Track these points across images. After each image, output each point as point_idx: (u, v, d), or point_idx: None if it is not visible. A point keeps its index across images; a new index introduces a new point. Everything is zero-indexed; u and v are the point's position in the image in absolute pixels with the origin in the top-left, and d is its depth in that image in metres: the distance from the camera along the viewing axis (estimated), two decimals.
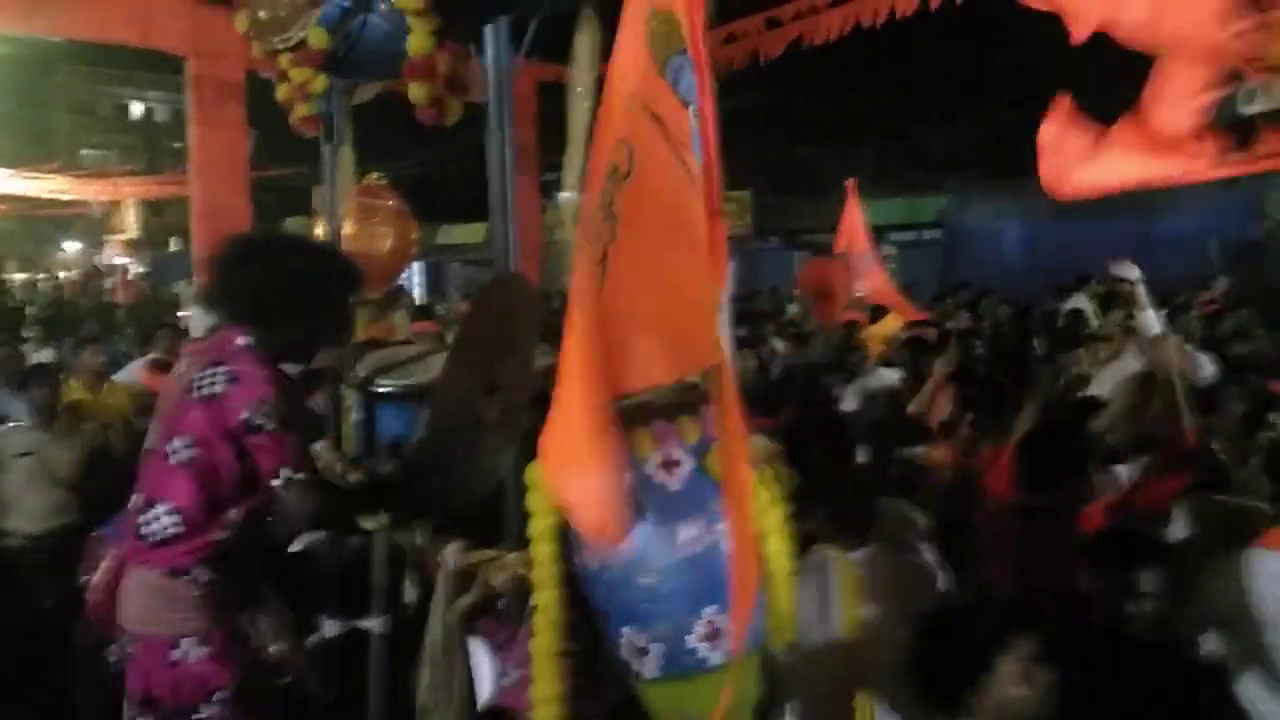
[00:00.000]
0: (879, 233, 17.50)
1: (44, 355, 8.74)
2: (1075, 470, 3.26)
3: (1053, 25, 3.18)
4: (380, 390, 3.34)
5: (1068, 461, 3.28)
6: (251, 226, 12.50)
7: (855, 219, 7.65)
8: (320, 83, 2.99)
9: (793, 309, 11.90)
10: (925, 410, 5.12)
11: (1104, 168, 2.66)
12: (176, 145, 38.71)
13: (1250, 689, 2.73)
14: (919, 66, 21.50)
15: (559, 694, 2.19)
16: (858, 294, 8.14)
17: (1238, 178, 14.59)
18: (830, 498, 2.71)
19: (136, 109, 47.74)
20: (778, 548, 2.17)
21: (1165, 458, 3.35)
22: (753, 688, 2.19)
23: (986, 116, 27.30)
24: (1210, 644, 2.80)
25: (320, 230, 5.18)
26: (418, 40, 2.46)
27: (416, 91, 2.57)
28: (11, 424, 5.44)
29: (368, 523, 3.29)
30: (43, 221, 35.18)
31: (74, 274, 23.63)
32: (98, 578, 3.44)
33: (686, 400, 2.17)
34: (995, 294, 11.96)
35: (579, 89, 2.35)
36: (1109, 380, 5.45)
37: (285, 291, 2.61)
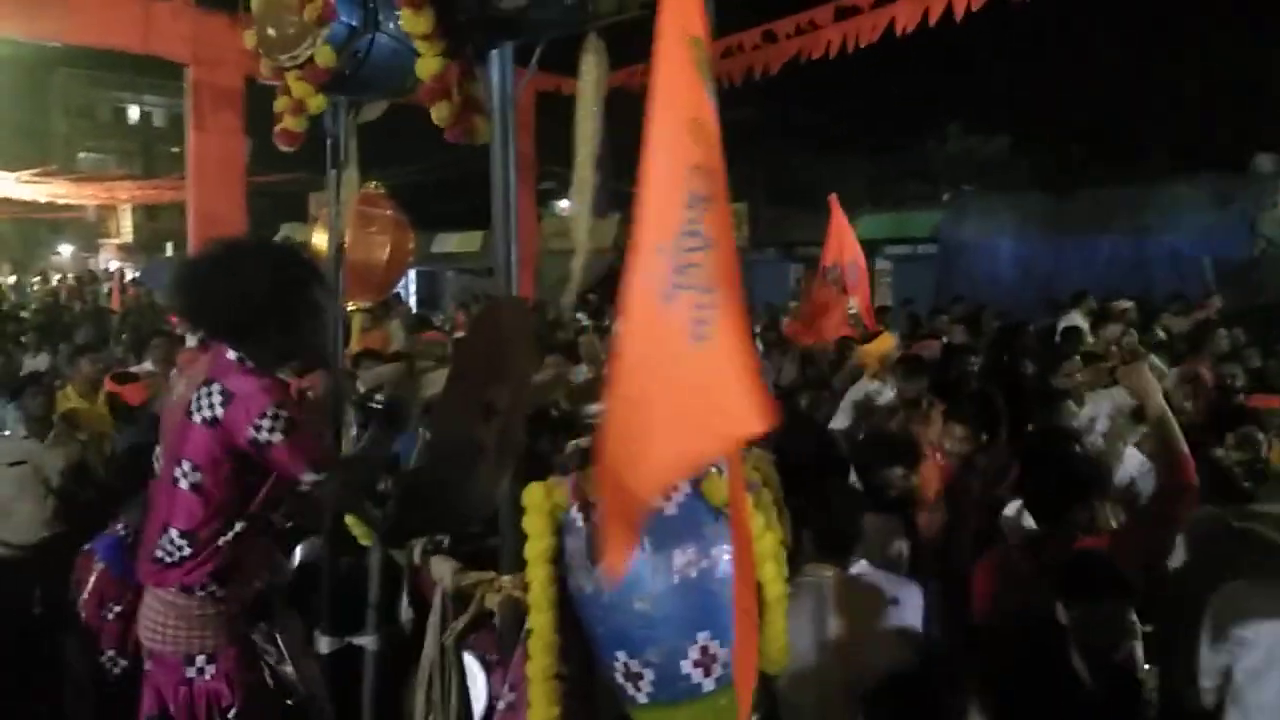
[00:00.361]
0: (874, 246, 17.62)
1: (39, 361, 8.72)
2: (1079, 499, 3.24)
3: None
4: (380, 406, 3.34)
5: (1071, 491, 3.27)
6: (248, 232, 12.58)
7: (843, 231, 7.62)
8: (318, 102, 3.00)
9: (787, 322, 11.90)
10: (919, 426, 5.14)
11: None
12: (173, 150, 38.81)
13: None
14: (915, 82, 21.60)
15: (554, 717, 2.20)
16: (851, 309, 8.11)
17: (1231, 197, 14.68)
18: (817, 516, 2.72)
19: (134, 113, 47.78)
20: (772, 573, 2.18)
21: (1168, 495, 3.30)
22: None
23: (982, 132, 27.47)
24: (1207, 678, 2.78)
25: (317, 238, 5.18)
26: (426, 65, 2.47)
27: (439, 112, 2.58)
28: (5, 432, 5.43)
29: (362, 538, 3.31)
30: (36, 224, 35.16)
31: (70, 278, 23.61)
32: (88, 591, 3.46)
33: None
34: (990, 309, 12.00)
35: (587, 110, 2.36)
36: (1103, 408, 5.45)
37: (256, 301, 2.60)
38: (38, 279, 25.83)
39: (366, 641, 3.19)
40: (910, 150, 27.80)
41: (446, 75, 2.49)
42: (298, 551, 3.59)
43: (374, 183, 6.08)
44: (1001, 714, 2.18)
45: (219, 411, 2.52)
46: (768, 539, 2.16)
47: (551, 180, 17.41)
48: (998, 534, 3.95)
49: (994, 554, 3.26)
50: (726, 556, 2.11)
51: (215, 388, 2.54)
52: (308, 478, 2.50)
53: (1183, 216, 14.64)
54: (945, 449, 4.51)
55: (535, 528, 2.17)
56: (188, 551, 2.58)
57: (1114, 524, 3.74)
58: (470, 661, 2.57)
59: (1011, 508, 3.95)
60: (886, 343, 6.57)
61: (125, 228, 34.98)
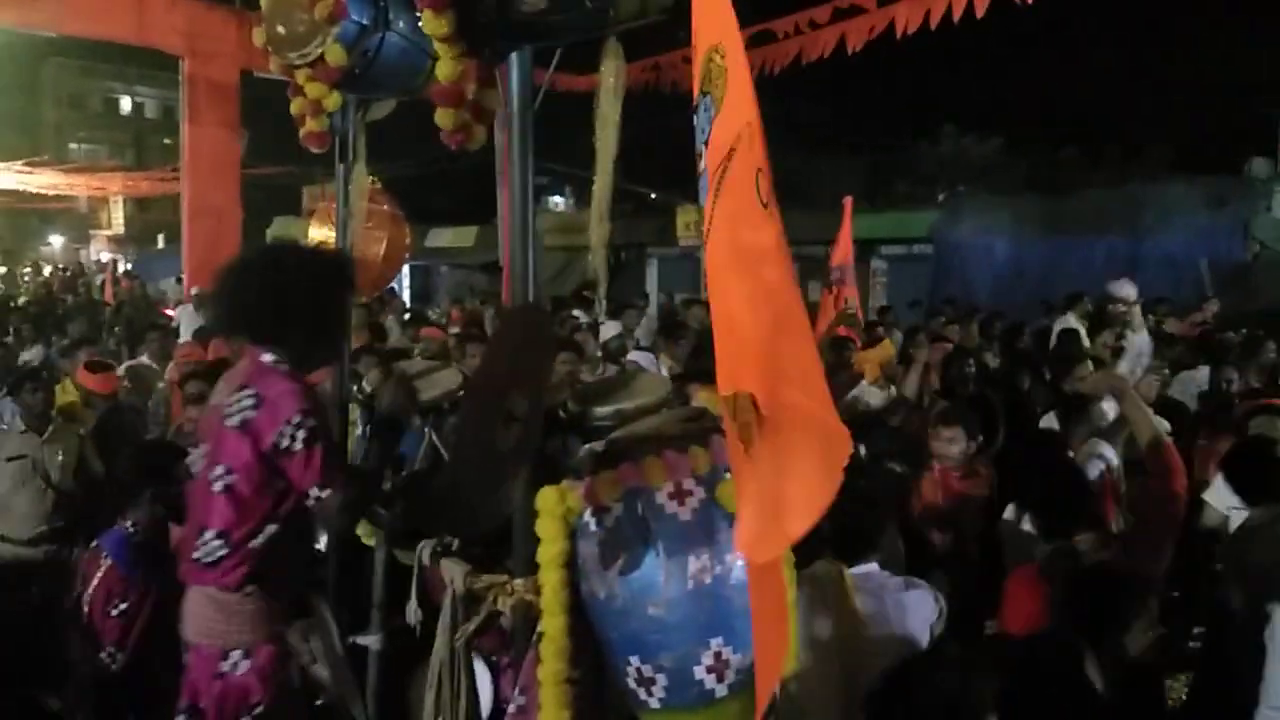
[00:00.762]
0: (870, 246, 17.61)
1: (33, 354, 8.67)
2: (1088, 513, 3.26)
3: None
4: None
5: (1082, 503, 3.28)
6: (242, 225, 12.55)
7: (847, 234, 7.69)
8: (334, 100, 3.00)
9: None
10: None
11: None
12: (166, 141, 38.61)
13: None
14: (910, 82, 21.65)
15: None
16: (849, 310, 8.11)
17: (1226, 200, 14.70)
18: (835, 515, 2.69)
19: (126, 104, 47.52)
20: (785, 577, 2.18)
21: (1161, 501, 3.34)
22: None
23: (976, 133, 27.55)
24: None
25: (314, 231, 5.17)
26: (446, 67, 2.46)
27: (444, 118, 2.57)
28: (2, 426, 5.40)
29: (365, 538, 3.30)
30: (27, 215, 34.98)
31: (64, 270, 23.51)
32: (94, 587, 3.46)
33: (697, 430, 2.18)
34: (983, 311, 12.00)
35: (607, 113, 2.35)
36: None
37: (291, 305, 2.66)
38: (28, 269, 25.71)
39: (370, 641, 3.20)
40: (905, 150, 27.85)
41: (463, 78, 2.49)
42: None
43: (370, 177, 6.05)
44: None
45: (249, 415, 2.56)
46: None
47: (543, 176, 17.41)
48: (997, 538, 3.97)
49: (1028, 571, 3.22)
50: (740, 563, 2.11)
51: (248, 392, 2.59)
52: (314, 492, 2.54)
53: (1177, 219, 14.68)
54: (939, 453, 4.49)
55: (548, 532, 2.17)
56: (224, 552, 2.63)
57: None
58: (476, 663, 2.58)
59: (1009, 511, 3.95)
60: (887, 350, 6.58)
61: (117, 219, 34.70)
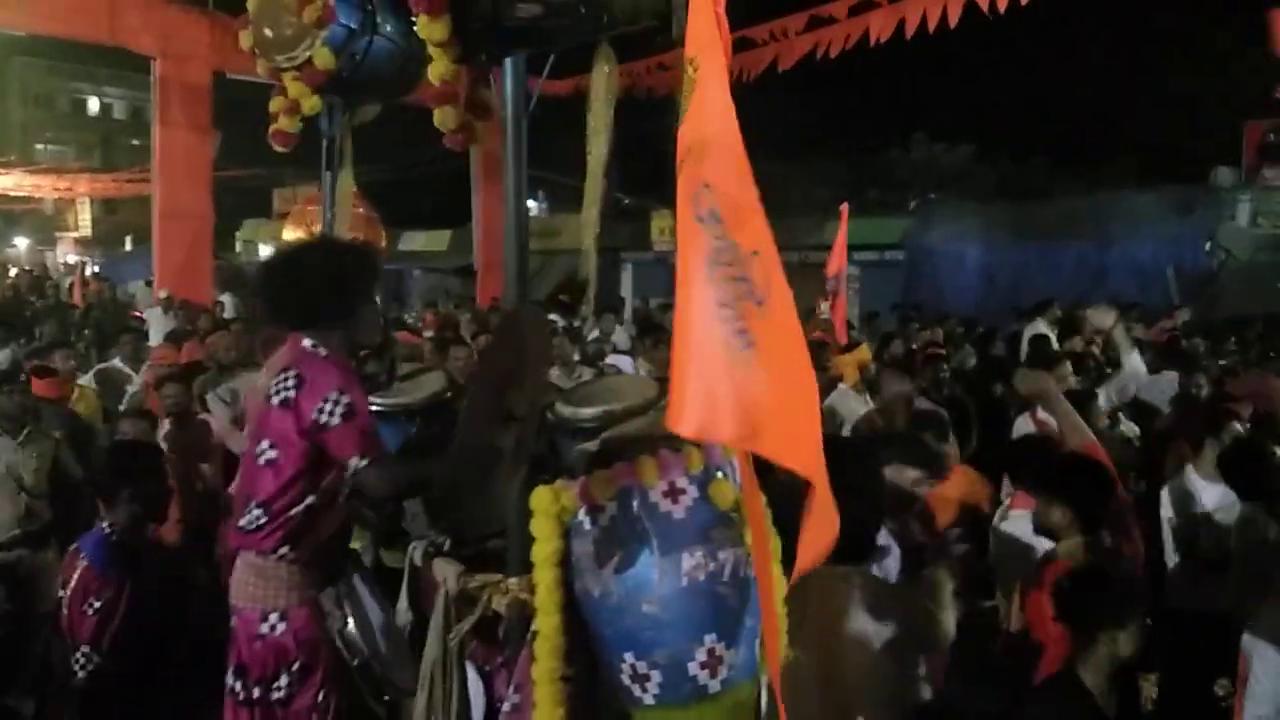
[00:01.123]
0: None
1: (1, 356, 8.55)
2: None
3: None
4: (372, 409, 3.35)
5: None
6: (211, 227, 12.48)
7: (843, 242, 7.70)
8: (312, 103, 3.02)
9: None
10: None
11: None
12: (134, 142, 38.21)
13: None
14: (887, 90, 21.83)
15: (559, 718, 2.21)
16: (822, 315, 8.14)
17: (1192, 208, 14.86)
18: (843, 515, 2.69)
19: (94, 104, 46.95)
20: (777, 574, 2.21)
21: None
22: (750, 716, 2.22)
23: (946, 140, 27.81)
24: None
25: (288, 233, 5.16)
26: (440, 67, 2.48)
27: (443, 117, 2.60)
28: None
29: (354, 541, 3.31)
30: None
31: (30, 271, 23.18)
32: (71, 588, 3.45)
33: None
34: (953, 317, 12.13)
35: (599, 117, 2.37)
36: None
37: (323, 292, 2.86)
38: None
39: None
40: (877, 156, 28.06)
41: (457, 80, 2.51)
42: None
43: None
44: None
45: (292, 394, 2.74)
46: (774, 542, 2.18)
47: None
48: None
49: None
50: (733, 560, 2.14)
51: (291, 373, 2.77)
52: (354, 463, 2.68)
53: (1144, 227, 14.92)
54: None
55: (543, 531, 2.19)
56: (264, 520, 2.81)
57: None
58: (469, 670, 2.59)
59: (1016, 523, 3.94)
60: (864, 353, 6.64)
61: (84, 221, 34.32)
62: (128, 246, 34.16)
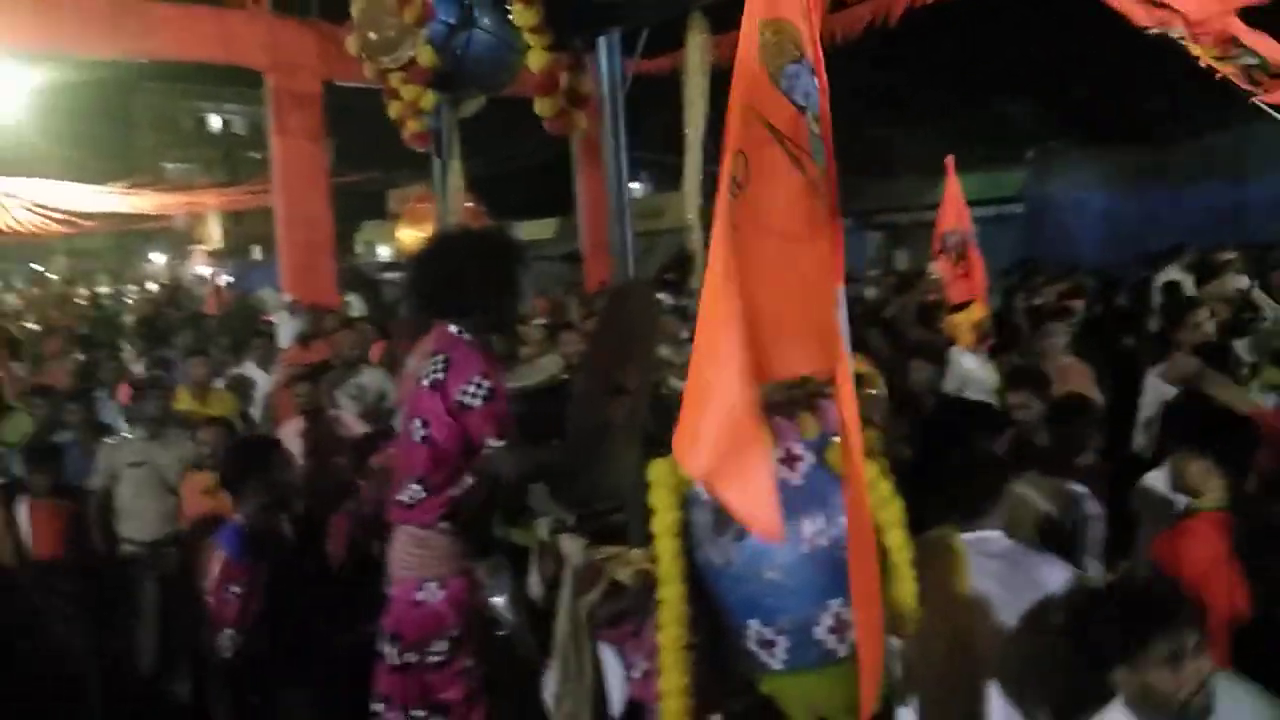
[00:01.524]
0: None
1: (139, 367, 9.03)
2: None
3: None
4: None
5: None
6: (332, 230, 12.88)
7: (957, 196, 7.22)
8: (429, 99, 3.10)
9: (870, 292, 11.69)
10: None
11: None
12: (255, 155, 39.69)
13: None
14: (995, 40, 21.01)
15: (685, 686, 2.23)
16: (932, 275, 7.83)
17: None
18: (953, 477, 2.64)
19: (215, 122, 49.08)
20: (898, 540, 2.18)
21: None
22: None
23: (1066, 87, 26.58)
24: None
25: (402, 232, 5.30)
26: (536, 56, 2.51)
27: (543, 105, 2.66)
28: (123, 434, 5.66)
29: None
30: (130, 235, 36.37)
31: (167, 285, 24.42)
32: (214, 578, 3.66)
33: (804, 396, 2.19)
34: (1081, 269, 11.63)
35: (695, 89, 2.36)
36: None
37: (468, 282, 3.02)
38: (133, 288, 26.78)
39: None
40: (989, 108, 27.05)
41: (556, 67, 2.54)
42: None
43: None
44: None
45: (440, 376, 2.95)
46: (894, 506, 2.15)
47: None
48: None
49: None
50: None
51: (440, 357, 2.98)
52: (491, 443, 2.87)
53: None
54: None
55: (662, 502, 2.21)
56: (422, 495, 3.01)
57: None
58: (605, 652, 2.62)
59: (1155, 477, 3.79)
60: (978, 312, 6.36)
61: (214, 234, 35.97)
62: (256, 255, 35.66)
